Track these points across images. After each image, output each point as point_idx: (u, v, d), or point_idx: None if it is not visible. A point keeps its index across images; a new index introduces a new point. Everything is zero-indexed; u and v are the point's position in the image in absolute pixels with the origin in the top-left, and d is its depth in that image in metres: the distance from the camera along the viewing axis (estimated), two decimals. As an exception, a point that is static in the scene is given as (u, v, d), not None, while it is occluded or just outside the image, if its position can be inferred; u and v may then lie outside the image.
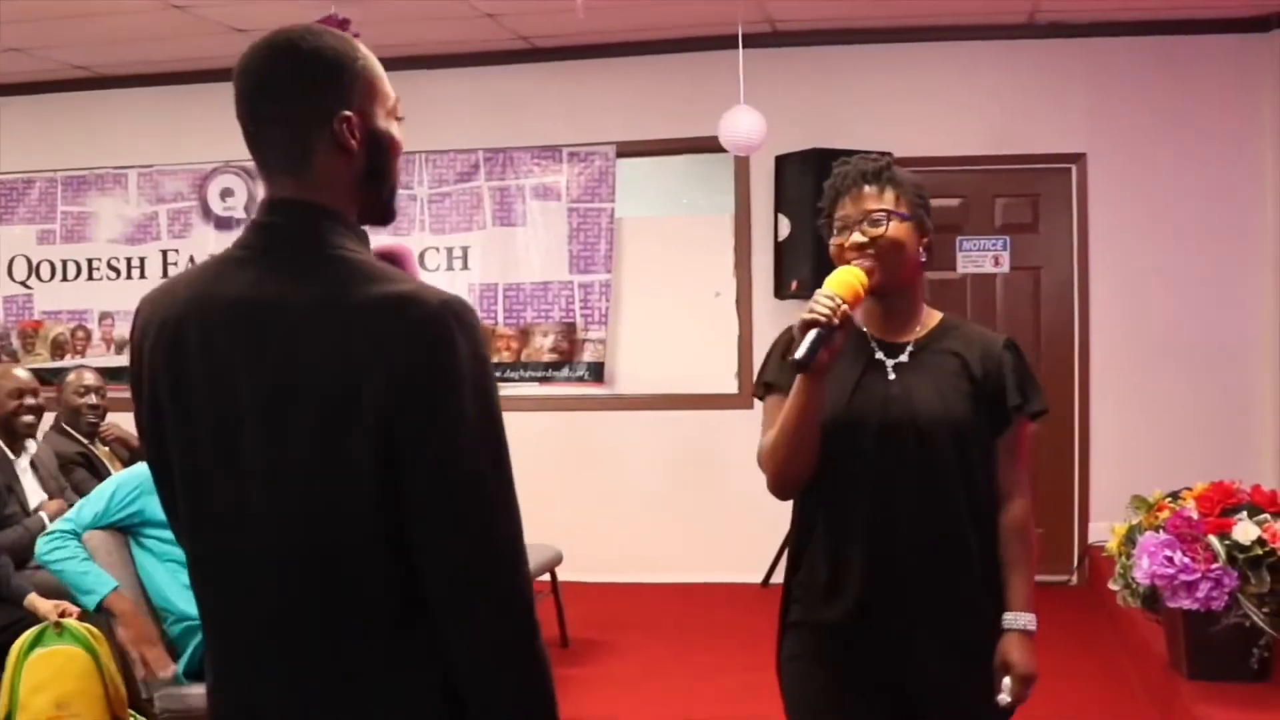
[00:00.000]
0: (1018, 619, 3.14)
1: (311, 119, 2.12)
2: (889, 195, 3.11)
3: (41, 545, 5.16)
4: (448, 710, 2.07)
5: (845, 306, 2.92)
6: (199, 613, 2.25)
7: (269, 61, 2.14)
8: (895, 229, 3.09)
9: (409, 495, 2.01)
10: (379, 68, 2.21)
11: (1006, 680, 3.08)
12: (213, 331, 2.10)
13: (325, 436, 2.02)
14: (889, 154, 3.19)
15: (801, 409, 3.01)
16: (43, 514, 6.43)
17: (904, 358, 3.17)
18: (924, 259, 3.18)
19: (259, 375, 2.05)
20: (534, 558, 7.20)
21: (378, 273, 2.07)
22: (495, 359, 9.70)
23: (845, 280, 2.98)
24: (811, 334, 2.90)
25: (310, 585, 2.07)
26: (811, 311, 2.91)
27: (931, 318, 3.27)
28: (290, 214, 2.13)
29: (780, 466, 3.10)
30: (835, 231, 3.15)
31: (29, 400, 6.57)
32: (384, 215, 2.25)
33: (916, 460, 3.07)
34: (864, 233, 3.08)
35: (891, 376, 3.14)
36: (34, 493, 6.54)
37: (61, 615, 5.29)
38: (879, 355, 3.17)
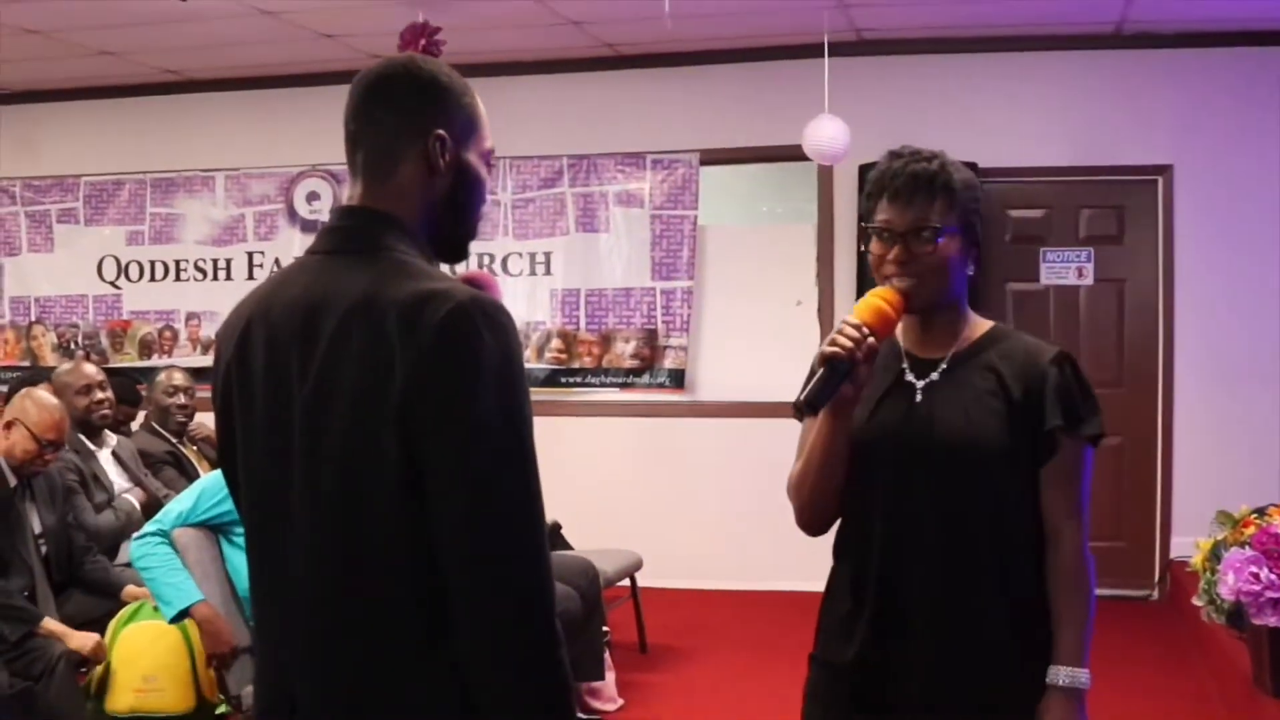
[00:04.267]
0: (1060, 674, 2.72)
1: (409, 129, 2.22)
2: (939, 206, 2.75)
3: (134, 549, 5.25)
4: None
5: (872, 339, 2.66)
6: (251, 603, 2.31)
7: (387, 70, 2.26)
8: (944, 246, 2.75)
9: (430, 493, 2.03)
10: (485, 116, 2.33)
11: None
12: (274, 331, 2.19)
13: (357, 429, 2.07)
14: (940, 153, 2.83)
15: (825, 445, 2.79)
16: (131, 498, 6.52)
17: (935, 375, 2.83)
18: (972, 270, 2.85)
19: (307, 370, 2.12)
20: (614, 562, 7.29)
21: (418, 271, 2.15)
22: (576, 364, 9.76)
23: (875, 306, 2.70)
24: (824, 371, 2.66)
25: (341, 580, 2.11)
26: (832, 344, 2.66)
27: (977, 329, 2.89)
28: (357, 218, 2.24)
29: (804, 502, 2.88)
30: (875, 235, 2.80)
31: (98, 395, 6.64)
32: (456, 251, 2.33)
33: (934, 489, 2.75)
34: (909, 250, 2.75)
35: (919, 398, 2.82)
36: (118, 483, 6.63)
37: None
38: (908, 376, 2.85)
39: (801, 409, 2.76)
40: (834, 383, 2.66)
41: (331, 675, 2.13)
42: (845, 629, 2.86)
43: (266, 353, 2.19)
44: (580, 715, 6.35)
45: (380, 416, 2.04)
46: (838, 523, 2.95)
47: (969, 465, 2.74)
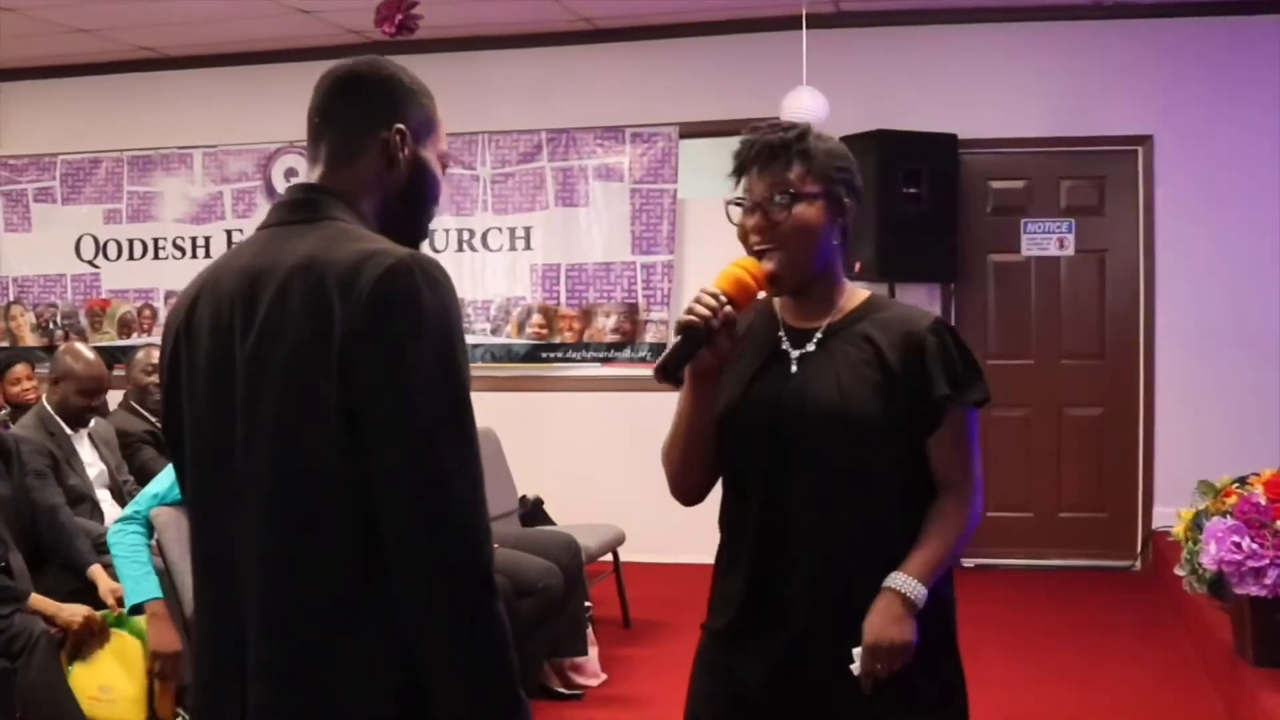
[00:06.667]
0: (895, 579, 2.67)
1: (370, 121, 2.31)
2: (796, 170, 2.76)
3: (109, 534, 5.25)
4: (405, 676, 2.08)
5: (728, 307, 2.65)
6: (193, 577, 2.32)
7: (351, 68, 2.36)
8: (801, 211, 2.75)
9: (367, 445, 2.05)
10: (442, 122, 2.42)
11: (857, 650, 2.65)
12: (220, 298, 2.24)
13: (297, 382, 2.10)
14: (806, 124, 2.85)
15: (690, 413, 2.82)
16: (101, 503, 6.45)
17: (811, 346, 2.82)
18: (837, 241, 2.85)
19: (249, 327, 2.16)
20: (596, 537, 7.28)
21: (360, 235, 2.20)
22: (557, 339, 9.74)
23: (735, 275, 2.70)
24: (678, 339, 2.68)
25: (282, 540, 2.13)
26: (689, 311, 2.67)
27: (854, 299, 2.89)
28: (308, 193, 2.30)
29: (674, 471, 2.93)
30: (737, 207, 2.83)
31: (95, 401, 6.52)
32: (413, 244, 2.34)
33: (808, 459, 2.75)
34: (767, 217, 2.76)
35: (794, 369, 2.81)
36: (91, 464, 6.57)
37: (118, 602, 5.33)
38: (785, 345, 2.85)
39: (658, 374, 2.72)
40: (688, 349, 2.67)
41: (279, 626, 2.13)
42: (726, 598, 2.88)
43: (212, 318, 2.23)
44: (563, 690, 6.36)
45: (320, 369, 2.07)
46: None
47: (841, 435, 2.73)
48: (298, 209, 2.28)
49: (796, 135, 2.79)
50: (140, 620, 5.23)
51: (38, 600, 5.26)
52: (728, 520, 2.93)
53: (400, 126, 2.30)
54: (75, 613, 5.24)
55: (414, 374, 2.05)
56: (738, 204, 2.83)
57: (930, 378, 2.73)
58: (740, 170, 2.84)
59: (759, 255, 2.77)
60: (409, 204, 2.35)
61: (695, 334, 2.66)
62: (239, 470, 2.17)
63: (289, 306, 2.12)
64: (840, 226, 2.86)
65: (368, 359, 2.05)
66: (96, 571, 5.59)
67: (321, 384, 2.07)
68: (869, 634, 2.64)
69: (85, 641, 5.23)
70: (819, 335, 2.83)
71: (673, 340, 2.70)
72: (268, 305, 2.14)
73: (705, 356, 2.69)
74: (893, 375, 2.75)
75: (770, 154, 2.78)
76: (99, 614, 5.27)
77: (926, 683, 2.75)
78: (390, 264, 2.08)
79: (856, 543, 2.73)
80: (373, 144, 2.30)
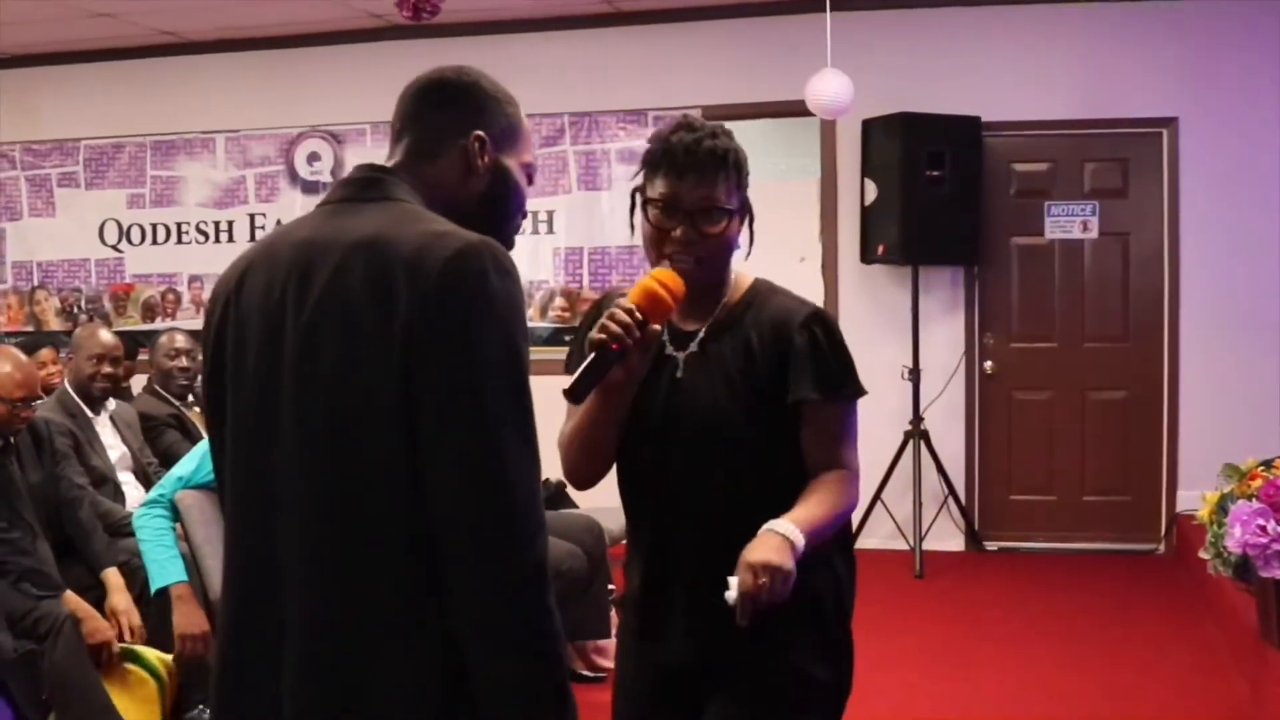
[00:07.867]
0: (773, 523, 2.55)
1: (450, 127, 2.31)
2: (727, 185, 2.73)
3: (135, 519, 5.27)
4: (448, 671, 2.05)
5: (646, 325, 2.58)
6: (224, 557, 2.27)
7: (434, 76, 2.38)
8: (729, 227, 2.75)
9: (425, 428, 2.02)
10: (529, 129, 2.43)
11: (733, 579, 2.48)
12: (274, 270, 2.20)
13: (354, 366, 2.06)
14: (727, 128, 2.79)
15: (593, 421, 2.78)
16: (123, 485, 6.45)
17: (694, 346, 2.82)
18: (739, 246, 2.83)
19: (305, 301, 2.12)
20: (618, 520, 7.13)
21: (429, 218, 2.17)
22: (579, 323, 9.73)
23: (652, 291, 2.59)
24: (591, 358, 2.58)
25: (328, 517, 2.09)
26: (602, 329, 2.57)
27: (738, 289, 2.87)
28: (378, 172, 2.27)
29: (571, 464, 2.89)
30: (658, 209, 2.74)
31: (107, 368, 6.54)
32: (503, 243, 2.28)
33: (695, 472, 2.75)
34: (696, 229, 2.71)
35: (679, 374, 2.81)
36: (113, 447, 6.57)
37: (120, 639, 5.27)
38: (669, 349, 2.83)
39: (568, 397, 2.65)
40: (600, 370, 2.59)
41: (322, 616, 2.09)
42: (630, 591, 2.96)
43: (264, 289, 2.19)
44: (586, 673, 6.36)
45: (380, 349, 2.04)
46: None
47: (720, 446, 2.75)
48: (363, 187, 2.25)
49: (730, 144, 2.75)
50: (151, 654, 5.23)
51: (72, 599, 5.24)
52: (626, 511, 2.95)
53: (480, 133, 2.30)
54: (101, 633, 5.21)
55: (480, 361, 2.02)
56: (659, 206, 2.74)
57: (791, 381, 2.73)
58: (664, 167, 2.74)
59: (673, 261, 2.71)
60: (490, 213, 2.31)
61: (609, 355, 2.58)
62: (285, 450, 2.13)
63: (349, 283, 2.08)
64: (749, 234, 2.88)
65: (433, 342, 2.02)
66: (111, 578, 5.54)
67: (380, 364, 2.03)
68: (747, 554, 2.50)
69: (97, 657, 5.23)
70: (701, 336, 2.83)
71: (584, 365, 2.61)
72: (325, 280, 2.10)
73: (616, 372, 2.62)
74: (762, 378, 2.76)
75: (710, 163, 2.72)
76: (119, 645, 5.26)
77: (821, 664, 2.81)
78: (460, 246, 2.06)
79: (735, 545, 2.57)
80: (452, 149, 2.29)
